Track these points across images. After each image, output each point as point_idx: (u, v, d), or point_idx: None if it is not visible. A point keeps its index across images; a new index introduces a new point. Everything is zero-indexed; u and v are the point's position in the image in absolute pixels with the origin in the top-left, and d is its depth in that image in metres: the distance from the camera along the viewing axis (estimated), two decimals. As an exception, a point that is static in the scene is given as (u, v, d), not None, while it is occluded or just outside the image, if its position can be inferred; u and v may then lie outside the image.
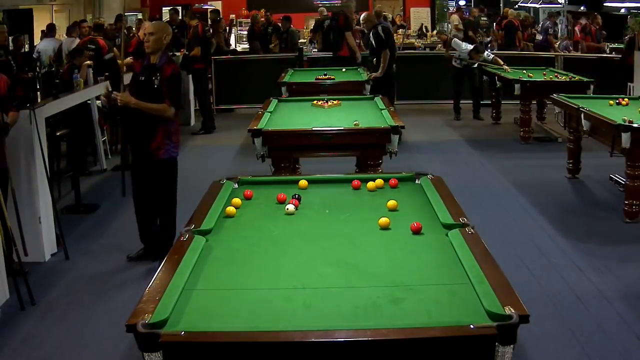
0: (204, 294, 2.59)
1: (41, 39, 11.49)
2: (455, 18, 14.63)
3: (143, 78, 5.01)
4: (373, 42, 9.22)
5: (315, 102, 6.93)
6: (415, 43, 14.86)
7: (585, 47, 13.38)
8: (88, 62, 8.25)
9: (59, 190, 6.99)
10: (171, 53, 10.75)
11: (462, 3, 20.12)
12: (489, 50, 10.93)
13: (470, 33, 13.17)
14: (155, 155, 5.01)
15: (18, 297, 4.46)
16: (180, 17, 12.53)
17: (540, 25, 15.92)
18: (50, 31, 11.21)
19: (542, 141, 9.27)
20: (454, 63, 10.82)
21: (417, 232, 3.19)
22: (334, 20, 11.24)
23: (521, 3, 17.86)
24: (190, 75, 10.45)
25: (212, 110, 11.01)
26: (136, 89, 5.04)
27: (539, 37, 14.81)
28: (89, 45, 8.87)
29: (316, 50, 13.25)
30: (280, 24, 13.32)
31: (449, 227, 3.21)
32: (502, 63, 10.33)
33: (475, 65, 10.59)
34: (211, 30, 11.01)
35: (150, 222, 5.26)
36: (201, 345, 2.23)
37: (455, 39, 11.17)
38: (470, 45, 10.94)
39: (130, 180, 5.33)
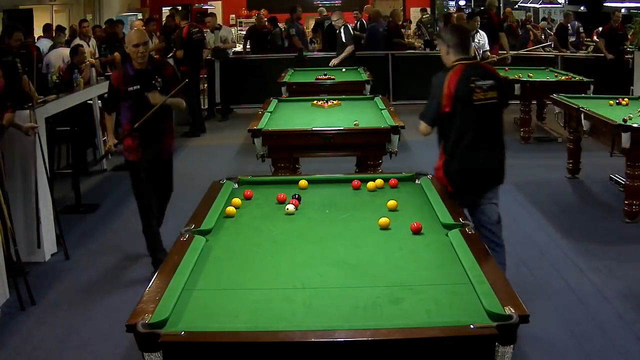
0: (204, 294, 2.59)
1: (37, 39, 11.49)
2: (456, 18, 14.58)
3: (138, 86, 4.83)
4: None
5: (315, 102, 6.93)
6: (415, 43, 14.83)
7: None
8: (91, 60, 8.21)
9: (59, 190, 6.99)
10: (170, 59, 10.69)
11: (462, 3, 20.11)
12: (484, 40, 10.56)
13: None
14: (169, 149, 5.11)
15: (18, 297, 4.47)
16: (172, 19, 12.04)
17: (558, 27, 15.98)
18: (45, 32, 11.28)
19: (542, 141, 9.27)
20: None
21: (417, 232, 3.19)
22: (484, 19, 10.73)
23: (521, 3, 17.84)
24: None
25: (202, 113, 10.90)
26: (134, 98, 4.85)
27: (572, 38, 14.75)
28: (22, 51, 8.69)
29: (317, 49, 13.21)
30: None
31: (449, 227, 3.21)
32: (492, 59, 9.99)
33: None
34: (200, 33, 10.34)
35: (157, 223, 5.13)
36: (201, 345, 2.23)
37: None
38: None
39: (139, 184, 4.99)
